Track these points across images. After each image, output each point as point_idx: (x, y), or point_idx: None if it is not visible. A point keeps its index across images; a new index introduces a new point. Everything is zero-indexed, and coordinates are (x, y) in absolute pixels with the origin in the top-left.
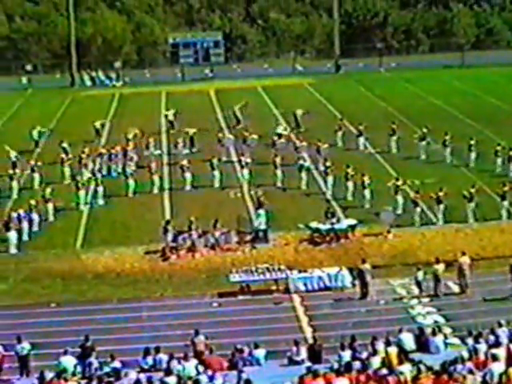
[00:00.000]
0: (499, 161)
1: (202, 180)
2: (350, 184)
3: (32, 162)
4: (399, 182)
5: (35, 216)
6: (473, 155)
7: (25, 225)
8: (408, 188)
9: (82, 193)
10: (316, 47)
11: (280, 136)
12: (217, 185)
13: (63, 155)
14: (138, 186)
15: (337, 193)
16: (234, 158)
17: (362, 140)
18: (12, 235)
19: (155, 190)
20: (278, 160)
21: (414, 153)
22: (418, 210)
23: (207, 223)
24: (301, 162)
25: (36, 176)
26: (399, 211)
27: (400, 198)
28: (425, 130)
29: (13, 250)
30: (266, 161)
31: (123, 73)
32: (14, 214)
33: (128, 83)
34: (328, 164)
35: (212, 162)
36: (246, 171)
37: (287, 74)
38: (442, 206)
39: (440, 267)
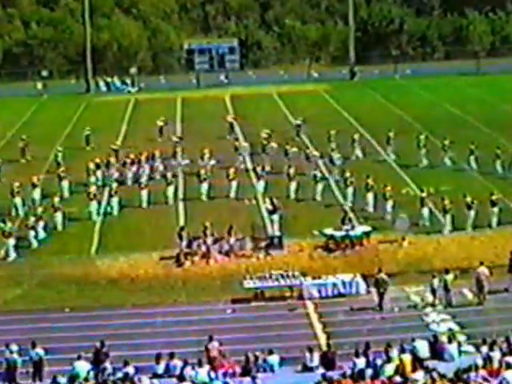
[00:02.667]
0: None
1: (218, 190)
2: (370, 195)
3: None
4: (424, 194)
5: (40, 224)
6: (497, 164)
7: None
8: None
9: (93, 203)
10: (331, 54)
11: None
12: (233, 195)
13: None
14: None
15: (357, 204)
16: (250, 167)
17: (390, 148)
18: (10, 242)
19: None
20: (291, 171)
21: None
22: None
23: (222, 229)
24: (315, 172)
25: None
26: (426, 223)
27: (426, 210)
28: (446, 142)
29: (12, 255)
30: (281, 170)
31: (138, 79)
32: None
33: (143, 89)
34: (347, 175)
35: (228, 172)
36: (261, 183)
37: (302, 80)
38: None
39: (449, 277)
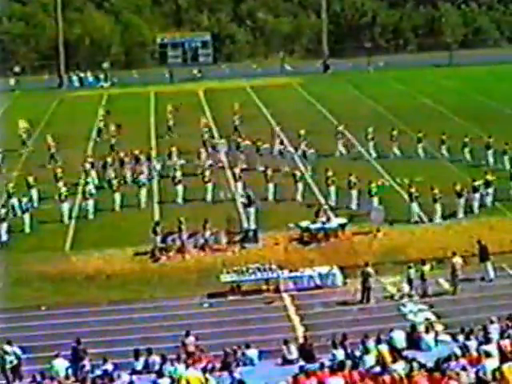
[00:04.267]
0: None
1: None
2: (354, 192)
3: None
4: (413, 189)
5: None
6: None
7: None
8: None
9: (65, 205)
10: (304, 47)
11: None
12: (209, 198)
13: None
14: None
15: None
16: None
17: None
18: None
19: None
20: (269, 172)
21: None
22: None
23: (196, 224)
24: (295, 171)
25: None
26: (416, 218)
27: (415, 205)
28: (420, 135)
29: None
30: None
31: (111, 73)
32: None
33: (116, 84)
34: (330, 174)
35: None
36: (239, 184)
37: (276, 73)
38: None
39: (426, 268)
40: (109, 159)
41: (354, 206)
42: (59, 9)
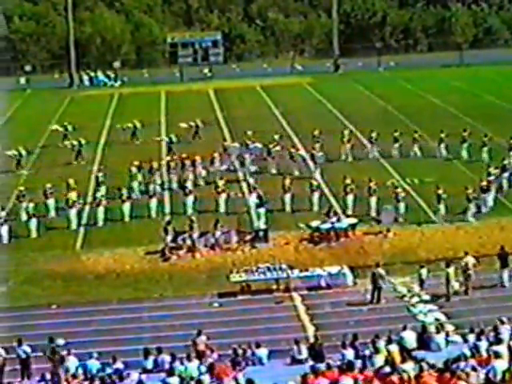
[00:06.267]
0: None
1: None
2: (373, 199)
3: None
4: (440, 191)
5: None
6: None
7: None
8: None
9: (73, 212)
10: (315, 47)
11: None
12: (222, 209)
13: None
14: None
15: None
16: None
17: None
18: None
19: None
20: (287, 183)
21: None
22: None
23: (207, 223)
24: (311, 180)
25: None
26: (441, 219)
27: (442, 208)
28: (442, 135)
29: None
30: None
31: (122, 73)
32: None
33: (126, 83)
34: (348, 181)
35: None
36: (254, 195)
37: (286, 73)
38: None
39: (451, 270)
40: (155, 163)
41: (373, 213)
42: (70, 8)
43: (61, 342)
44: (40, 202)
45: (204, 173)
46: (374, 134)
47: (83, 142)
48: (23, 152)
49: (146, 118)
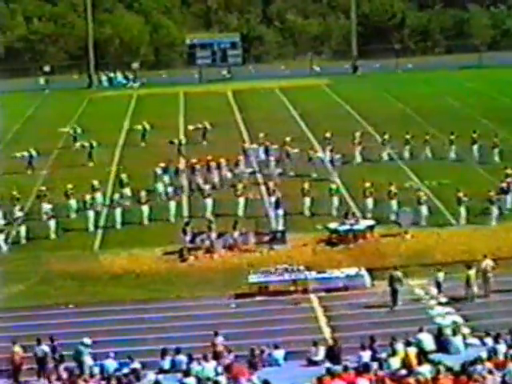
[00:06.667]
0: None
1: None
2: (394, 203)
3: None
4: (461, 194)
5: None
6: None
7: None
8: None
9: (90, 213)
10: (333, 48)
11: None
12: (241, 213)
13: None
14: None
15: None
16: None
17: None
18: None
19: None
20: (306, 186)
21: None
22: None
23: (226, 224)
24: (331, 185)
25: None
26: (463, 222)
27: (463, 210)
28: (452, 137)
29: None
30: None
31: (140, 74)
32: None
33: (145, 84)
34: (367, 185)
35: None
36: (273, 199)
37: (304, 75)
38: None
39: (472, 272)
40: (181, 165)
41: (393, 217)
42: (89, 9)
43: (87, 340)
44: (59, 203)
45: (230, 175)
46: (386, 136)
47: (94, 143)
48: (34, 153)
49: (164, 119)
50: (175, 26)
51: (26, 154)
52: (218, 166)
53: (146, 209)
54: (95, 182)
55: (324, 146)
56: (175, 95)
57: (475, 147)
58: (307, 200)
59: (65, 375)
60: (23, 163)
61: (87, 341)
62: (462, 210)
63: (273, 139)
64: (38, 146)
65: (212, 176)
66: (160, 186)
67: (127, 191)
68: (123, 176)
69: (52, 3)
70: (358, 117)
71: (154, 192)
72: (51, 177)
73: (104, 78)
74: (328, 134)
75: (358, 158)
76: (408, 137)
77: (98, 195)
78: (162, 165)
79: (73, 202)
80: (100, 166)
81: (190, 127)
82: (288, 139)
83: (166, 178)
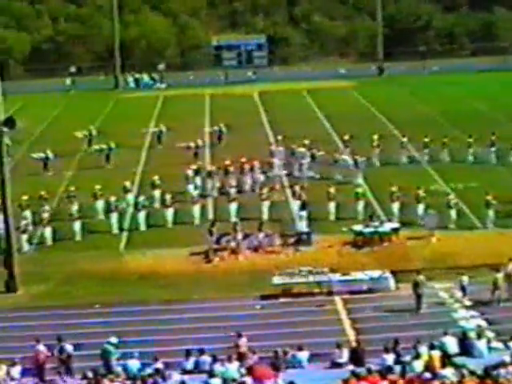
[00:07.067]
0: None
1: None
2: (421, 207)
3: None
4: (489, 197)
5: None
6: None
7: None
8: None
9: (114, 215)
10: (359, 50)
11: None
12: (265, 217)
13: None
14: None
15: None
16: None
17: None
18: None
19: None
20: (331, 191)
21: (458, 157)
22: None
23: (250, 226)
24: (357, 189)
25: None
26: (490, 225)
27: (491, 213)
28: (470, 140)
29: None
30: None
31: (166, 75)
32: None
33: (171, 85)
34: (394, 189)
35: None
36: (298, 201)
37: (330, 77)
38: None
39: (499, 275)
40: (214, 168)
41: (422, 223)
42: (115, 10)
43: (114, 339)
44: (84, 204)
45: (262, 178)
46: (405, 139)
47: (113, 145)
48: (50, 155)
49: (191, 120)
50: (201, 27)
51: (42, 155)
52: (252, 169)
53: (170, 212)
54: (127, 184)
55: (343, 148)
56: (201, 97)
57: (493, 149)
58: (332, 205)
59: (90, 374)
60: (40, 164)
61: (114, 340)
62: (491, 213)
63: (299, 141)
64: (63, 146)
65: (245, 178)
66: (191, 188)
67: (157, 193)
68: (155, 178)
69: (77, 4)
70: (384, 119)
71: (184, 194)
72: (77, 178)
73: (130, 79)
74: (347, 137)
75: (376, 161)
76: (427, 140)
77: (130, 196)
78: (194, 167)
79: (100, 203)
80: (123, 167)
81: (207, 130)
82: (307, 142)
83: (198, 180)
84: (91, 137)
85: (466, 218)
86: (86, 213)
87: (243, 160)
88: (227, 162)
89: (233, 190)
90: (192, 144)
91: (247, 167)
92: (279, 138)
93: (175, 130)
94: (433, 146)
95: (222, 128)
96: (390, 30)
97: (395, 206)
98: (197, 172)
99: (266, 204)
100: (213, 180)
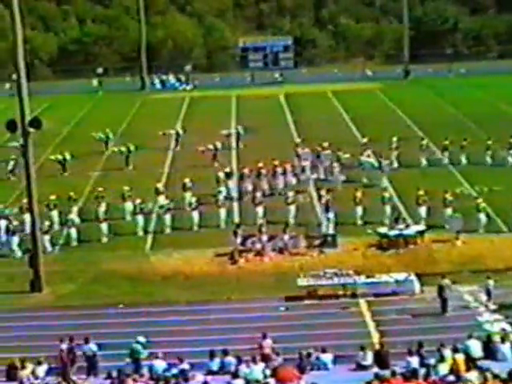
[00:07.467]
0: None
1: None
2: (449, 211)
3: None
4: None
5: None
6: None
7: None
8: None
9: (140, 218)
10: (385, 52)
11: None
12: (292, 221)
13: None
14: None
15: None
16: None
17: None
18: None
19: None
20: (358, 195)
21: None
22: None
23: (276, 229)
24: (384, 193)
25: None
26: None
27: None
28: (489, 142)
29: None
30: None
31: (193, 76)
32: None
33: (198, 87)
34: (420, 192)
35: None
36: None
37: (356, 79)
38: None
39: None
40: (246, 170)
41: (447, 226)
42: (142, 12)
43: (142, 339)
44: (111, 206)
45: (294, 181)
46: (424, 142)
47: (132, 148)
48: (68, 156)
49: (217, 121)
50: (228, 28)
51: (60, 157)
52: (284, 172)
53: (196, 215)
54: (159, 185)
55: (362, 152)
56: (227, 98)
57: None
58: (359, 209)
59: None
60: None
61: (142, 339)
62: None
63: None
64: (89, 147)
65: (277, 181)
66: (223, 190)
67: (188, 195)
68: (186, 180)
69: (104, 5)
70: (410, 121)
71: (213, 196)
72: (103, 179)
73: (157, 80)
74: (365, 140)
75: (395, 163)
76: (447, 142)
77: (162, 198)
78: (227, 169)
79: (129, 205)
80: (146, 168)
81: (224, 132)
82: (326, 144)
83: (231, 183)
84: (107, 139)
85: (492, 221)
86: (112, 214)
87: (275, 163)
88: (260, 165)
89: (259, 194)
90: (211, 146)
91: (279, 170)
92: (296, 140)
93: (199, 131)
94: (452, 149)
95: (239, 130)
96: (416, 33)
97: (422, 210)
98: (228, 175)
99: (292, 208)
100: (246, 183)
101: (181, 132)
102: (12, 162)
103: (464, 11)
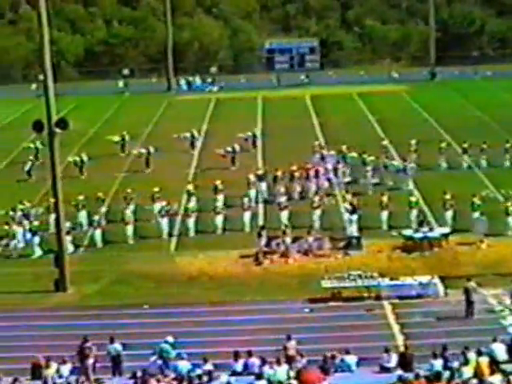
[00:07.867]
0: None
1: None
2: (476, 215)
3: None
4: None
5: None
6: None
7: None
8: None
9: (165, 221)
10: (411, 54)
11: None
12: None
13: None
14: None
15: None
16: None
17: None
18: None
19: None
20: (384, 199)
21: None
22: None
23: (300, 231)
24: (410, 197)
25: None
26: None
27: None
28: (508, 145)
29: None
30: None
31: (219, 78)
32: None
33: (224, 88)
34: (447, 197)
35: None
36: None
37: (382, 81)
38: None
39: None
40: (279, 173)
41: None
42: (169, 13)
43: (170, 339)
44: (137, 207)
45: (326, 184)
46: (443, 144)
47: (152, 149)
48: (85, 158)
49: (242, 123)
50: (254, 30)
51: (77, 158)
52: (317, 175)
53: (220, 218)
54: (190, 187)
55: (379, 154)
56: (253, 100)
57: None
58: (385, 214)
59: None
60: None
61: (171, 339)
62: None
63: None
64: (113, 149)
65: (310, 184)
66: (252, 193)
67: (220, 198)
68: (217, 182)
69: (131, 7)
70: (436, 124)
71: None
72: (127, 180)
73: (183, 81)
74: (384, 142)
75: (414, 165)
76: (465, 145)
77: (193, 200)
78: (259, 172)
79: (157, 206)
80: (169, 170)
81: (240, 135)
82: (344, 147)
83: (263, 185)
84: (124, 142)
85: None
86: (139, 215)
87: (309, 166)
88: (293, 168)
89: (283, 198)
90: (229, 149)
91: (312, 173)
92: (316, 143)
93: (224, 133)
94: (471, 151)
95: (255, 133)
96: (442, 35)
97: (449, 215)
98: (261, 177)
99: (317, 212)
100: (279, 185)
101: (196, 134)
102: (29, 163)
103: (490, 13)
